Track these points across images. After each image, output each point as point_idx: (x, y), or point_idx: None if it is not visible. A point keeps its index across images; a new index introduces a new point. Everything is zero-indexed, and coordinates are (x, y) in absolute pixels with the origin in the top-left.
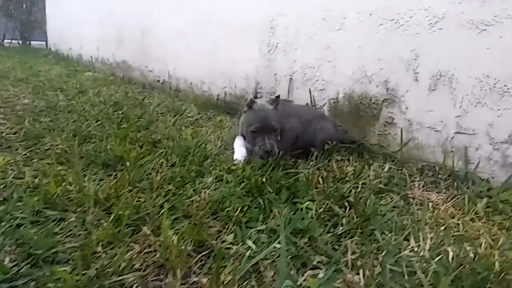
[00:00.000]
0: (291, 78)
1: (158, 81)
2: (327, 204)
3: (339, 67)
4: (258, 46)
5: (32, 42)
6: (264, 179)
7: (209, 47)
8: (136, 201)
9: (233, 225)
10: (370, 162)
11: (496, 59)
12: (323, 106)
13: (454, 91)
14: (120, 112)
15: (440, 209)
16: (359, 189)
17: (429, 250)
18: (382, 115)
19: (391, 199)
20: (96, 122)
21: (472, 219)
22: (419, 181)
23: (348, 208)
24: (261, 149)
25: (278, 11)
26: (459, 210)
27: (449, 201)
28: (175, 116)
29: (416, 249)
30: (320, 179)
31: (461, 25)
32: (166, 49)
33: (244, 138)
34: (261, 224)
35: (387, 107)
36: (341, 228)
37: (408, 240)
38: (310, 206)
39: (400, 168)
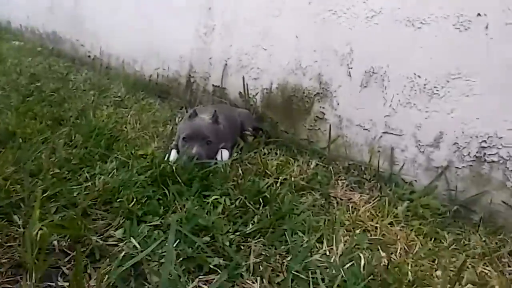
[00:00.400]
0: (226, 64)
1: (89, 56)
2: (241, 200)
3: (275, 56)
4: (194, 26)
5: None
6: (174, 168)
7: (144, 24)
8: (14, 184)
9: (125, 219)
10: (297, 157)
11: (428, 59)
12: (255, 95)
13: (385, 90)
14: (35, 84)
15: (359, 210)
16: (278, 185)
17: (341, 255)
18: (313, 109)
19: (312, 196)
20: (2, 92)
21: (391, 223)
22: (343, 180)
23: (262, 205)
24: (186, 154)
25: None
26: (379, 212)
27: (370, 203)
28: (99, 94)
29: (328, 253)
30: (240, 171)
31: (397, 21)
32: (99, 22)
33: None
34: (159, 219)
35: (319, 101)
36: (251, 227)
37: (322, 243)
38: (221, 201)
39: (326, 166)
